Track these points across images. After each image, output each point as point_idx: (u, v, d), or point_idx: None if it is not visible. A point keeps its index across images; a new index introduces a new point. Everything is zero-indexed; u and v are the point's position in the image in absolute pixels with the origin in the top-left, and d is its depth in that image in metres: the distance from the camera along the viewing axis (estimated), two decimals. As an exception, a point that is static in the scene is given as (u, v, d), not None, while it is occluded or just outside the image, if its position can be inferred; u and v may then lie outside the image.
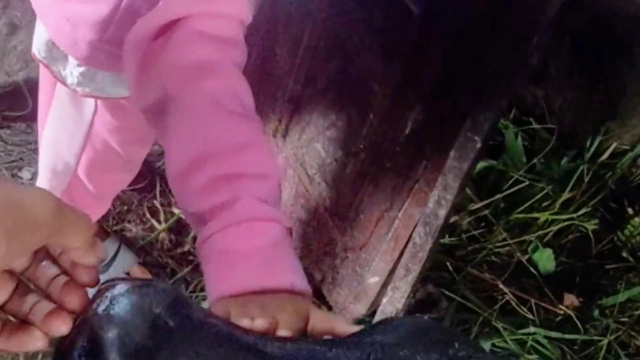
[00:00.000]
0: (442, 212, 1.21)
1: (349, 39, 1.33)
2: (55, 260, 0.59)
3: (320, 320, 0.67)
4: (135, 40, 0.84)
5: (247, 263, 0.71)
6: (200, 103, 0.80)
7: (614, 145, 1.85)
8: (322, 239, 1.49)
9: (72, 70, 1.10)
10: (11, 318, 0.57)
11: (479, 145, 1.13)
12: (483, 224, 1.88)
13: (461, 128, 1.16)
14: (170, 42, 0.83)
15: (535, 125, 1.92)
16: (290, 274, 0.72)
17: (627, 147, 1.87)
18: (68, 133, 1.27)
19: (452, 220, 1.87)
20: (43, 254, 0.59)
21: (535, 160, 1.88)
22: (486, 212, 1.88)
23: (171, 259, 1.67)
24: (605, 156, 1.85)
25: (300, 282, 0.72)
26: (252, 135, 0.80)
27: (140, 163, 1.42)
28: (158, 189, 1.77)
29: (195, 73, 0.82)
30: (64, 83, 1.13)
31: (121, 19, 0.96)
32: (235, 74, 0.84)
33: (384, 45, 1.27)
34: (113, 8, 0.96)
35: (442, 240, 1.85)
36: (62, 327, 0.55)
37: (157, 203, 1.76)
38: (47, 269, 0.58)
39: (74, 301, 0.57)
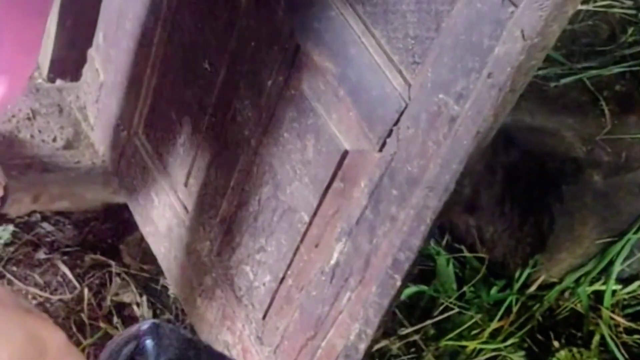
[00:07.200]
0: (362, 346, 1.22)
1: (281, 167, 1.36)
2: None
3: None
4: None
5: None
6: None
7: (542, 277, 1.88)
8: (245, 364, 1.48)
9: None
10: None
11: (398, 283, 1.15)
12: (413, 350, 1.88)
13: (383, 265, 1.18)
14: None
15: (466, 254, 1.95)
16: None
17: (555, 280, 1.90)
18: None
19: (381, 344, 1.87)
20: None
21: (465, 288, 1.90)
22: (416, 337, 1.89)
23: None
24: (533, 288, 1.88)
25: None
26: None
27: None
28: (86, 302, 1.74)
29: None
30: None
31: None
32: None
33: (314, 176, 1.30)
34: None
35: (371, 366, 1.85)
36: None
37: (84, 316, 1.73)
38: None
39: None
